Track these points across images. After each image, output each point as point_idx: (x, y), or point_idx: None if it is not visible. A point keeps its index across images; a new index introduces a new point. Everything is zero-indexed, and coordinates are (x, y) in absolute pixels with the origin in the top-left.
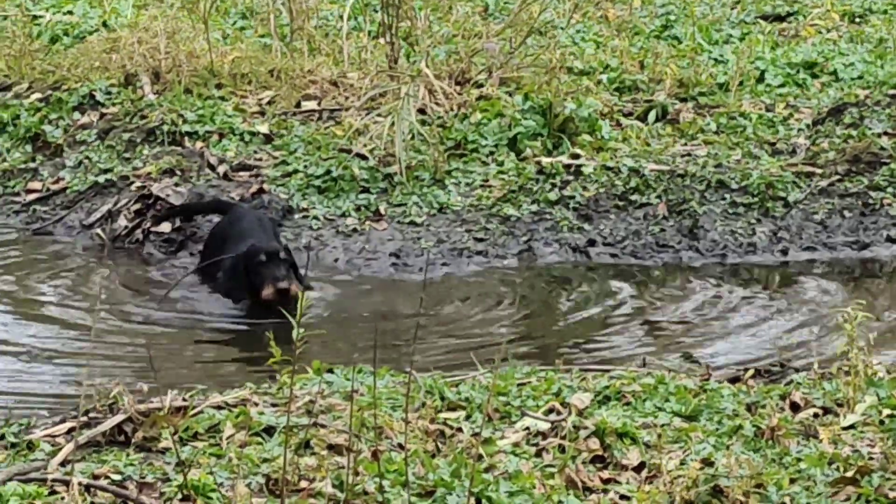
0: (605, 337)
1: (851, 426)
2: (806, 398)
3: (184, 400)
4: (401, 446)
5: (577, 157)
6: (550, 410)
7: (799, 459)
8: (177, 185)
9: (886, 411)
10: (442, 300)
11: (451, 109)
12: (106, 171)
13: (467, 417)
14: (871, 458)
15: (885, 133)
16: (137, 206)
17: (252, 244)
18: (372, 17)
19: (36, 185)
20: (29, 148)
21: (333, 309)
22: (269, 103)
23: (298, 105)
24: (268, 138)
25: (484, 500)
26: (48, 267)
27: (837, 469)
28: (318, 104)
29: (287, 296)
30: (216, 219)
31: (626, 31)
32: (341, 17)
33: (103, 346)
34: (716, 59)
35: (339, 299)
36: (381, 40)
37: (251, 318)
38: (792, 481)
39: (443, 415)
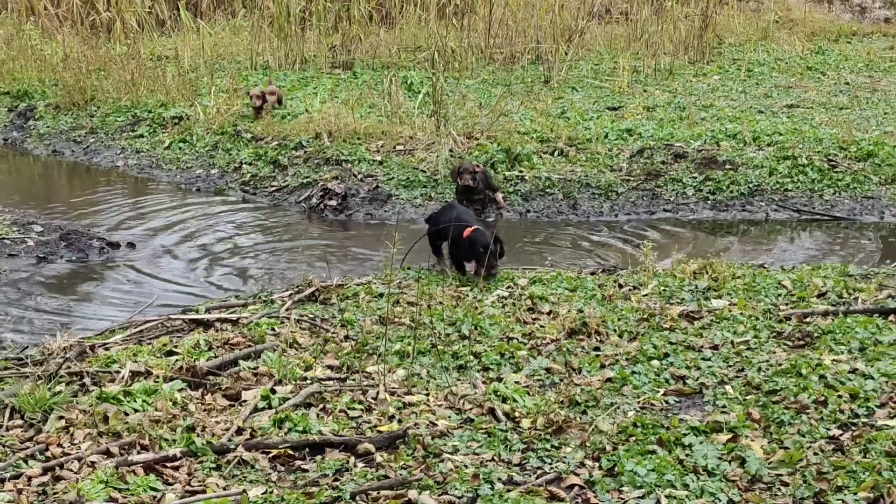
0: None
1: (646, 295)
2: (626, 282)
3: (341, 281)
4: (440, 302)
5: (521, 172)
6: (508, 286)
7: (622, 310)
8: (340, 183)
9: (662, 289)
10: None
11: (464, 149)
12: (307, 177)
13: (471, 290)
14: (654, 309)
15: (663, 161)
16: (321, 193)
17: (476, 231)
18: (428, 107)
19: (275, 184)
20: (272, 166)
21: (413, 239)
22: (381, 146)
23: (394, 147)
24: (381, 162)
25: (478, 327)
26: (282, 224)
27: (640, 313)
28: (404, 147)
29: (493, 275)
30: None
31: (544, 114)
32: (414, 107)
33: (304, 256)
34: (586, 128)
35: (414, 236)
36: (433, 118)
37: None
38: (619, 318)
39: (460, 289)
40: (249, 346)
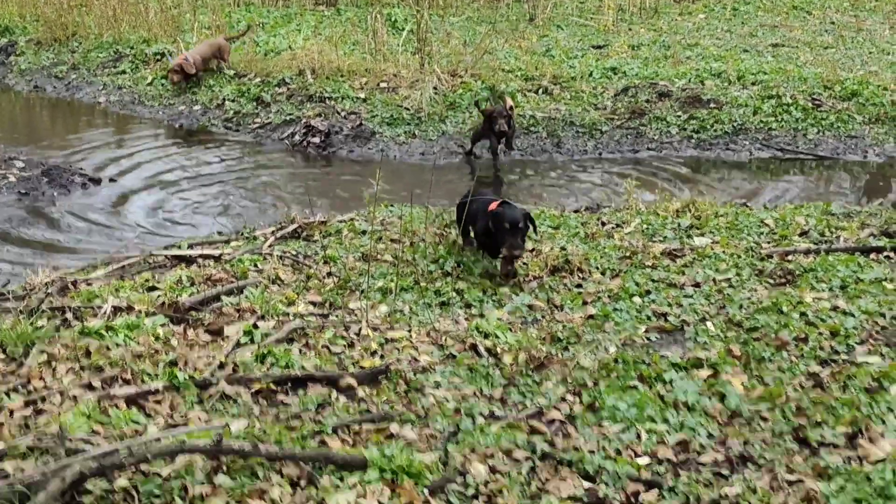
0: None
1: (629, 233)
2: (609, 220)
3: (324, 218)
4: (423, 240)
5: None
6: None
7: (605, 247)
8: (323, 120)
9: (645, 226)
10: (443, 173)
11: (448, 87)
12: (290, 114)
13: (454, 227)
14: (636, 247)
15: (647, 100)
16: (304, 130)
17: (501, 211)
18: (412, 45)
19: (258, 120)
20: (254, 103)
21: (396, 176)
22: (365, 84)
23: (378, 85)
24: (364, 100)
25: (461, 264)
26: (265, 160)
27: (622, 251)
28: (388, 84)
29: (517, 257)
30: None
31: (529, 52)
32: (398, 44)
33: (286, 193)
34: (570, 66)
35: (397, 173)
36: (417, 55)
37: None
38: (602, 256)
39: (445, 228)
40: (232, 282)
